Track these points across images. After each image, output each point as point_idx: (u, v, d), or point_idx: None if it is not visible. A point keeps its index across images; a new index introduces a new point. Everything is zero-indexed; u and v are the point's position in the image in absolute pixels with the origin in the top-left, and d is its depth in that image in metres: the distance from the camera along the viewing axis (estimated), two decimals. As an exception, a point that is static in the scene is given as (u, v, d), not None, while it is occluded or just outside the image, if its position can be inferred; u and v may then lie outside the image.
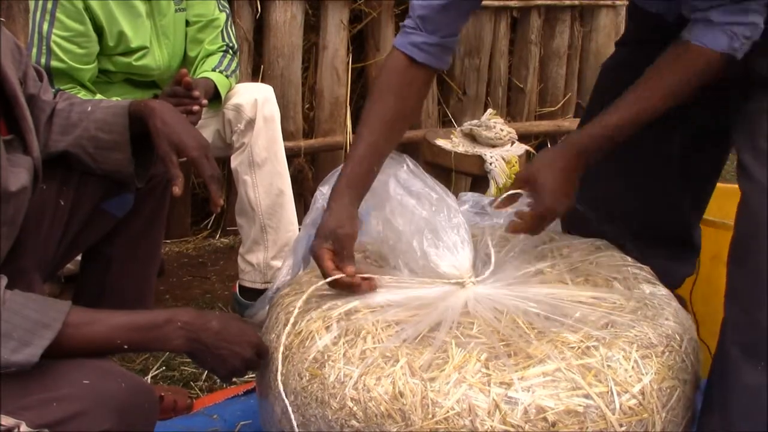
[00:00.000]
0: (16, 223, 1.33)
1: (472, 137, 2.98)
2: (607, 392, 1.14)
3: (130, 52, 2.19)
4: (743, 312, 1.30)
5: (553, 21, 3.65)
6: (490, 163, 2.80)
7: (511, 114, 3.66)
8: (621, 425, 1.14)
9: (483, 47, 3.46)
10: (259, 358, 1.34)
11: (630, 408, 1.15)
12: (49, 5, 2.04)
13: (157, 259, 1.85)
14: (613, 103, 1.42)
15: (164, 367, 2.09)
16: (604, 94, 1.65)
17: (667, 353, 1.23)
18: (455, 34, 1.54)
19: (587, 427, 1.12)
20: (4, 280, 1.14)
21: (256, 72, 3.04)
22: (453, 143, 2.97)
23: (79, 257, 1.79)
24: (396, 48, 1.53)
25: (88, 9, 2.07)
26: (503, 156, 2.83)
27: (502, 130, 2.93)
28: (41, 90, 1.47)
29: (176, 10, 2.28)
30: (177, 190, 1.43)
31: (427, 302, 1.35)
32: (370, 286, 1.38)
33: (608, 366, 1.17)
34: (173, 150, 1.45)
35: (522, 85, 3.62)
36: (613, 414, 1.13)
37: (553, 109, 3.73)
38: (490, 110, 3.16)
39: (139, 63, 2.22)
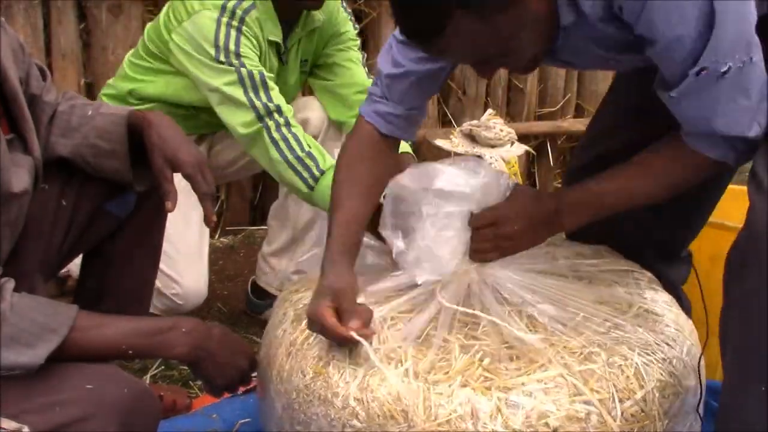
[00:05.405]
0: (18, 224, 1.33)
1: (471, 137, 2.98)
2: (609, 398, 1.15)
3: None
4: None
5: (553, 22, 3.65)
6: (490, 164, 2.80)
7: (510, 114, 3.65)
8: None
9: (483, 47, 3.45)
10: (250, 371, 1.36)
11: (632, 415, 1.15)
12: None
13: (158, 260, 1.83)
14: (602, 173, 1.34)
15: (163, 367, 2.08)
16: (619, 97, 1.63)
17: (668, 360, 1.24)
18: (421, 107, 1.51)
19: (589, 433, 1.12)
20: (12, 284, 1.14)
21: (256, 71, 3.03)
22: (452, 143, 2.97)
23: (79, 258, 1.79)
24: (362, 117, 1.50)
25: None
26: (503, 156, 2.83)
27: (501, 131, 2.93)
28: (44, 90, 1.46)
29: (301, 73, 2.18)
30: (170, 206, 1.41)
31: (430, 294, 1.33)
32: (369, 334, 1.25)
33: (610, 372, 1.17)
34: (168, 165, 1.42)
35: (521, 86, 3.62)
36: (615, 420, 1.13)
37: (552, 109, 3.73)
38: (489, 110, 3.16)
39: None
